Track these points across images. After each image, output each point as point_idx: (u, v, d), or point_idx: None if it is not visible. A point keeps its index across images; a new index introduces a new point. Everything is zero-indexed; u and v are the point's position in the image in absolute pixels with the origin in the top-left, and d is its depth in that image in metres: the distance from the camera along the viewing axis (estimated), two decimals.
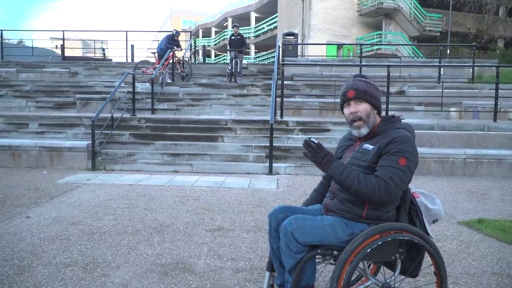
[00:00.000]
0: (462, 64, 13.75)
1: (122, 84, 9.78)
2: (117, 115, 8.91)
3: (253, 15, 37.23)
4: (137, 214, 4.63)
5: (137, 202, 5.21)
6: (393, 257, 2.14)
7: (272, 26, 33.10)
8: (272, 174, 7.28)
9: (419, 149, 6.05)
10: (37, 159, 7.78)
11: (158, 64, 12.48)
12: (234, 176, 7.07)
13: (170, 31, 13.97)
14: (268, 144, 7.56)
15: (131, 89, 9.89)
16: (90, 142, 7.72)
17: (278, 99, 9.11)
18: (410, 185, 2.22)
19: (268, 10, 33.90)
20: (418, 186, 6.16)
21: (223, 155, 7.88)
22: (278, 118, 8.90)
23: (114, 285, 2.85)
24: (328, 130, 8.58)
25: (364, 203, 2.16)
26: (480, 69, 13.26)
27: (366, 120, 2.24)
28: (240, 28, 14.16)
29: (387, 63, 11.56)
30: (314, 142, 2.19)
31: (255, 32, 36.24)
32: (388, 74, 9.04)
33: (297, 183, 6.61)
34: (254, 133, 8.59)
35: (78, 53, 28.84)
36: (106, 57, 23.35)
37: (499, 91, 8.89)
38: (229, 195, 5.64)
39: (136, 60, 16.60)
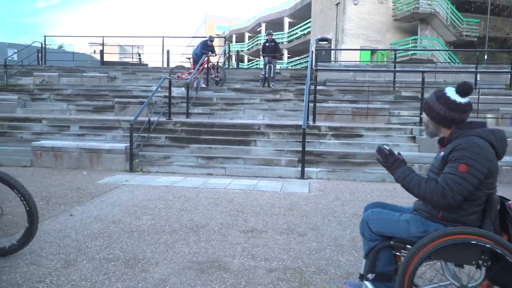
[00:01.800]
0: (499, 70, 13.37)
1: (158, 89, 10.09)
2: (153, 118, 9.19)
3: (287, 20, 37.37)
4: (174, 215, 4.81)
5: (173, 203, 5.40)
6: (474, 262, 2.21)
7: (305, 31, 33.12)
8: (304, 178, 7.34)
9: None
10: (77, 160, 8.14)
11: (193, 69, 12.78)
12: (267, 180, 7.18)
13: (204, 37, 14.31)
14: (300, 149, 7.62)
15: (166, 93, 10.19)
16: (128, 144, 8.01)
17: (311, 104, 9.16)
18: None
19: (302, 15, 33.97)
20: None
21: (256, 159, 8.00)
22: (311, 123, 8.95)
23: (154, 280, 3.01)
24: (361, 136, 8.56)
25: None
26: None
27: (426, 128, 2.48)
28: (273, 33, 14.35)
29: (421, 69, 11.41)
30: (385, 149, 2.42)
31: (288, 37, 36.36)
32: (423, 79, 8.95)
33: (329, 187, 6.65)
34: (287, 137, 8.67)
35: (115, 58, 29.80)
36: (142, 62, 24.05)
37: None
38: (261, 198, 5.75)
39: (172, 65, 17.06)
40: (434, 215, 2.33)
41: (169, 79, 10.26)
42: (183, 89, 11.74)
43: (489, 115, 9.85)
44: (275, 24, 36.46)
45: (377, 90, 11.83)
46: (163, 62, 17.60)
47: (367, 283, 2.42)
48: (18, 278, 2.99)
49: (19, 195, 3.24)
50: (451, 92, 2.35)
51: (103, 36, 18.16)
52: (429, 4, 23.81)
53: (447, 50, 23.42)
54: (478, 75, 12.40)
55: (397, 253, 2.44)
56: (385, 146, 2.43)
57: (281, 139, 8.67)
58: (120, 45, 38.18)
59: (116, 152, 8.07)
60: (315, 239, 4.05)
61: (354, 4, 24.99)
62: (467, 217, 2.25)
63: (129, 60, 27.21)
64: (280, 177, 7.48)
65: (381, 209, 2.56)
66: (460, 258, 2.23)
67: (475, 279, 2.32)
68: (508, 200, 2.30)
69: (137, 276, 3.07)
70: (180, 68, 14.55)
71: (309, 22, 31.48)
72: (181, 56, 25.26)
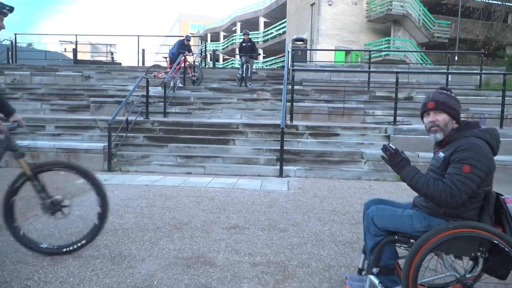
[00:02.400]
0: (469, 72, 13.89)
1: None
2: (131, 118, 9.16)
3: (262, 20, 37.58)
4: (156, 213, 4.85)
5: (154, 201, 5.43)
6: (473, 254, 2.34)
7: (280, 31, 33.39)
8: (283, 176, 7.48)
9: (426, 154, 6.37)
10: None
11: (170, 68, 12.76)
12: (246, 178, 7.28)
13: (179, 36, 14.32)
14: (279, 148, 7.76)
15: (142, 93, 10.16)
16: (106, 144, 7.97)
17: (288, 104, 9.32)
18: (504, 192, 2.42)
19: (277, 15, 34.23)
20: None
21: (234, 157, 8.10)
22: (288, 122, 9.10)
23: (142, 276, 3.07)
24: (337, 135, 8.77)
25: None
26: (488, 76, 13.40)
27: (444, 128, 2.51)
28: (249, 33, 14.50)
29: (395, 70, 11.73)
30: (392, 148, 2.46)
31: (263, 36, 36.56)
32: (397, 80, 9.22)
33: (307, 185, 6.81)
34: (265, 136, 8.80)
35: (87, 56, 29.31)
36: (115, 61, 23.80)
37: (506, 98, 9.05)
38: (242, 196, 5.85)
39: (147, 64, 16.95)
40: (436, 211, 2.45)
41: (147, 78, 10.24)
42: (160, 88, 11.72)
43: (460, 115, 10.21)
44: (250, 24, 36.62)
45: (352, 90, 12.11)
46: (138, 61, 17.47)
47: (372, 277, 2.50)
48: (6, 276, 3.00)
49: (94, 188, 3.53)
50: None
51: (76, 34, 17.89)
52: (401, 6, 24.43)
53: (419, 52, 24.06)
54: (449, 76, 12.84)
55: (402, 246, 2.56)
56: (390, 145, 2.47)
57: (259, 138, 8.79)
58: (92, 44, 37.52)
59: (94, 151, 8.02)
60: (296, 234, 4.18)
61: (329, 5, 25.38)
62: (467, 213, 2.39)
63: (101, 59, 26.84)
64: (259, 175, 7.60)
65: (384, 205, 2.65)
66: (461, 250, 2.36)
67: (467, 269, 2.50)
68: (502, 195, 2.45)
69: (125, 272, 3.12)
70: (157, 67, 14.49)
71: (285, 22, 31.76)
72: (155, 55, 25.08)
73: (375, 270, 2.49)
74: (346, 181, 7.24)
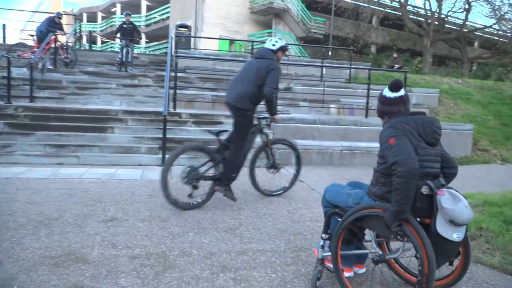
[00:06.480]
0: (340, 66, 15.02)
1: None
2: None
3: (144, 3, 36.04)
4: (19, 208, 4.33)
5: (17, 196, 4.84)
6: (392, 236, 2.52)
7: (164, 16, 32.40)
8: None
9: (303, 142, 6.85)
10: None
11: (38, 48, 11.49)
12: (126, 168, 6.91)
13: (50, 13, 12.97)
14: (161, 136, 7.51)
15: (3, 74, 8.99)
16: None
17: (171, 91, 9.06)
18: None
19: None
20: (302, 175, 6.58)
21: (113, 146, 7.63)
22: (171, 109, 8.86)
23: None
24: (221, 123, 8.80)
25: (376, 183, 2.71)
26: (356, 70, 14.63)
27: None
28: (131, 14, 13.75)
29: None
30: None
31: (145, 21, 35.12)
32: None
33: None
34: (146, 124, 8.45)
35: None
36: None
37: (370, 91, 9.97)
38: (121, 187, 5.53)
39: (9, 41, 15.05)
40: (370, 191, 2.76)
41: (8, 57, 9.06)
42: (25, 69, 10.49)
43: (332, 105, 11.03)
44: (131, 6, 34.74)
45: None
46: None
47: (321, 240, 2.88)
48: None
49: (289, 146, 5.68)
50: (385, 90, 2.78)
51: None
52: (282, 1, 25.41)
53: (298, 45, 25.32)
54: (324, 69, 13.72)
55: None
56: None
57: (140, 126, 8.41)
58: None
59: None
60: (177, 223, 4.08)
61: None
62: (389, 193, 2.50)
63: None
64: (140, 164, 7.28)
65: (339, 184, 3.10)
66: (380, 230, 2.55)
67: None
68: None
69: None
70: (21, 46, 12.93)
71: (168, 7, 30.89)
72: (21, 32, 22.52)
73: (324, 235, 2.87)
74: None
